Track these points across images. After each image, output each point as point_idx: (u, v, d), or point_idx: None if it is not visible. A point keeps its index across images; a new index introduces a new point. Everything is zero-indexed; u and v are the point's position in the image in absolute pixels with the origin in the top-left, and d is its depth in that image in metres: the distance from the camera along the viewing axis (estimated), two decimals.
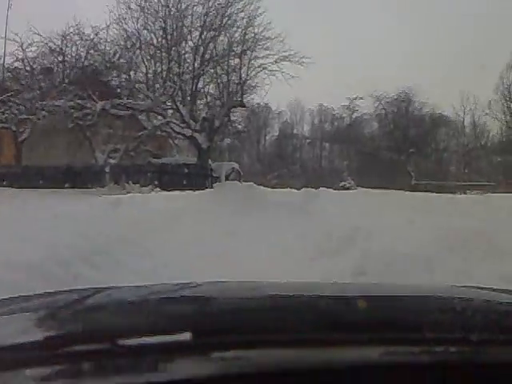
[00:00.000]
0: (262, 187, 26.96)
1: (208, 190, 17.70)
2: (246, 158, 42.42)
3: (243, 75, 20.13)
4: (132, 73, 19.53)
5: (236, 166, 22.83)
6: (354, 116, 45.98)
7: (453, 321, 0.86)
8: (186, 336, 0.71)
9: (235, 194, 19.12)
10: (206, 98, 20.46)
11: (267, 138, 50.84)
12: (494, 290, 1.24)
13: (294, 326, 0.79)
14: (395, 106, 31.36)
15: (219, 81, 20.26)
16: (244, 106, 21.03)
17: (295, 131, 52.05)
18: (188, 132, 19.00)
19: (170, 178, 18.67)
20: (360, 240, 6.47)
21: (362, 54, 50.45)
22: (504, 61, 34.16)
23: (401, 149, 31.64)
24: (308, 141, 51.83)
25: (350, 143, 44.99)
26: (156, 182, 18.47)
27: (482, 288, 1.26)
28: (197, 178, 18.50)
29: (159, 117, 19.15)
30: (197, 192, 16.74)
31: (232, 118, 21.78)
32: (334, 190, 28.37)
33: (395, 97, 30.89)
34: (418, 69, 48.65)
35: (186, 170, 18.46)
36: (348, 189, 30.80)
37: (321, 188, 26.69)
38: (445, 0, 44.25)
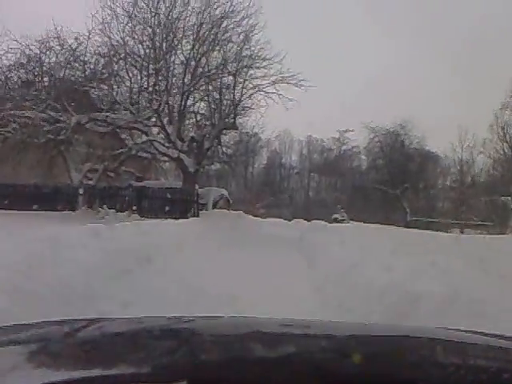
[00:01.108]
0: (251, 217, 24.56)
1: (193, 218, 15.14)
2: (234, 185, 39.96)
3: (237, 95, 17.87)
4: (115, 85, 17.06)
5: (225, 192, 20.39)
6: (343, 148, 44.38)
7: (445, 374, 0.82)
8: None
9: (223, 224, 16.58)
10: (196, 117, 18.06)
11: (255, 166, 48.97)
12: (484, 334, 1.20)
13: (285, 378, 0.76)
14: (391, 139, 29.34)
15: (211, 99, 17.94)
16: (236, 129, 18.70)
17: (283, 161, 50.37)
18: (174, 153, 16.53)
19: (151, 204, 16.13)
20: (360, 279, 5.92)
21: (355, 86, 49.07)
22: (500, 99, 32.76)
23: (395, 183, 29.52)
24: (296, 171, 49.96)
25: (339, 175, 43.14)
26: (134, 208, 15.90)
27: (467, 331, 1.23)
28: (181, 204, 15.98)
29: (143, 136, 16.66)
30: (180, 221, 14.24)
31: (222, 141, 19.45)
32: (326, 222, 26.30)
33: (391, 129, 28.92)
34: (415, 103, 47.06)
35: (170, 196, 15.92)
36: (340, 222, 28.54)
37: (313, 221, 24.51)
38: (443, 33, 43.05)
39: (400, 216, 30.17)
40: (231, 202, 21.18)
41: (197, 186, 18.87)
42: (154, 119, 16.36)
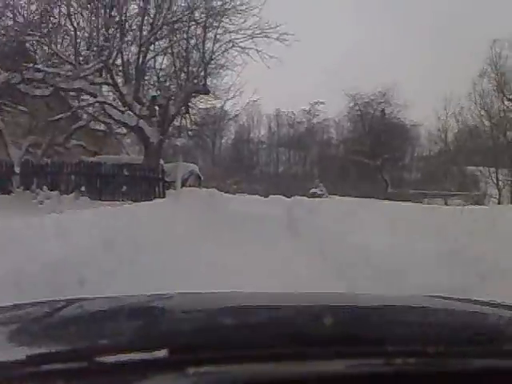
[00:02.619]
0: (226, 195, 21.16)
1: (158, 200, 11.57)
2: (201, 161, 36.23)
3: (207, 52, 14.17)
4: (54, 36, 12.98)
5: (195, 168, 16.81)
6: (314, 121, 41.13)
7: (415, 333, 0.84)
8: (160, 352, 0.67)
9: (196, 205, 13.06)
10: (158, 74, 14.15)
11: (223, 141, 45.26)
12: (473, 301, 1.21)
13: (263, 340, 0.77)
14: (371, 107, 26.16)
15: (175, 54, 14.10)
16: (208, 93, 15.02)
17: (252, 135, 46.81)
18: (132, 121, 12.79)
19: (105, 183, 12.45)
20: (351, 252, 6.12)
21: (331, 56, 45.53)
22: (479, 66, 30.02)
23: (375, 154, 26.51)
24: (264, 146, 46.53)
25: (309, 149, 39.97)
26: (83, 189, 12.20)
27: (459, 299, 1.23)
28: (143, 183, 12.37)
29: (91, 99, 12.74)
30: (142, 204, 10.71)
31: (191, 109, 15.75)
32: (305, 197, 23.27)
33: (372, 97, 25.71)
34: (396, 72, 43.85)
35: (127, 173, 12.22)
36: (319, 196, 25.54)
37: (296, 197, 21.32)
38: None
39: (380, 188, 27.38)
40: (202, 178, 17.65)
41: (162, 161, 15.21)
42: (104, 76, 12.44)
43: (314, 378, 0.67)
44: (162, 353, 0.67)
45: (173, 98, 13.44)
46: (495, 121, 30.29)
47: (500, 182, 29.14)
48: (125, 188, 11.93)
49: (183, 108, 14.96)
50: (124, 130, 16.29)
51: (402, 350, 0.73)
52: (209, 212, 12.34)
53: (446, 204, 28.34)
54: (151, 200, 11.54)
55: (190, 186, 15.71)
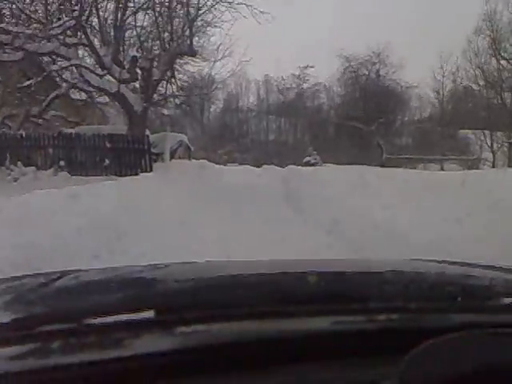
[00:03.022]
0: (217, 166, 20.01)
1: (144, 174, 10.40)
2: (190, 131, 34.76)
3: (192, 9, 12.71)
4: None
5: (184, 138, 15.56)
6: (304, 86, 39.58)
7: (398, 292, 0.85)
8: (148, 313, 0.69)
9: (186, 178, 11.91)
10: (139, 34, 12.66)
11: (211, 110, 43.61)
12: (467, 264, 1.21)
13: (250, 300, 0.78)
14: (366, 69, 24.76)
15: (157, 10, 12.61)
16: (194, 55, 13.63)
17: (240, 103, 45.18)
18: (113, 86, 11.46)
19: (86, 157, 11.21)
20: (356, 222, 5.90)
21: (321, 16, 43.34)
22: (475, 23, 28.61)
23: (370, 119, 25.27)
24: (254, 114, 44.99)
25: (300, 115, 38.59)
26: (62, 163, 10.97)
27: (450, 263, 1.22)
28: (127, 155, 11.15)
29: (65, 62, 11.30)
30: (126, 179, 9.54)
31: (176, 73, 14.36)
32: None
33: (366, 58, 24.25)
34: (390, 31, 41.84)
35: (110, 144, 10.97)
36: (313, 165, 24.50)
37: (290, 166, 20.28)
38: None
39: (376, 154, 26.31)
40: (192, 149, 16.44)
41: (148, 131, 13.94)
42: (78, 36, 10.99)
43: (298, 335, 0.68)
44: (149, 313, 0.69)
45: (156, 60, 12.08)
46: (490, 81, 29.18)
47: (494, 146, 28.28)
48: (107, 161, 10.72)
49: (168, 72, 13.61)
50: (107, 99, 14.93)
51: (385, 306, 0.74)
52: (201, 186, 11.23)
53: (442, 169, 27.52)
54: (137, 174, 10.39)
55: (179, 158, 14.54)
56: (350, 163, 24.33)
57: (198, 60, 13.63)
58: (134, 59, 11.01)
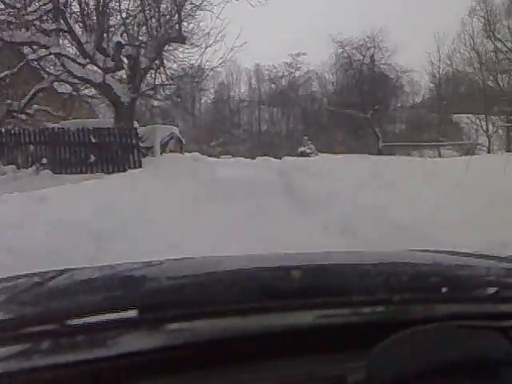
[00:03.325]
0: (210, 159, 19.19)
1: (133, 171, 9.56)
2: (181, 123, 33.73)
3: None
4: None
5: (175, 130, 14.68)
6: (296, 74, 38.60)
7: (383, 284, 0.82)
8: (132, 312, 0.68)
9: (179, 174, 11.06)
10: (124, 20, 11.66)
11: (202, 101, 42.51)
12: (455, 253, 1.20)
13: (233, 296, 0.77)
14: (360, 53, 23.83)
15: None
16: (183, 41, 12.72)
17: (232, 93, 44.09)
18: (97, 77, 10.55)
19: (70, 153, 10.32)
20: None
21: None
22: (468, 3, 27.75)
23: (366, 105, 24.43)
24: (245, 104, 43.98)
25: (295, 104, 37.64)
26: (44, 161, 10.09)
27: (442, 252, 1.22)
28: (114, 150, 10.27)
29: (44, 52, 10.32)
30: (110, 178, 8.66)
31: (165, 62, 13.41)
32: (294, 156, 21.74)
33: (361, 42, 23.32)
34: (385, 14, 40.51)
35: (95, 139, 10.07)
36: (308, 155, 23.77)
37: (285, 157, 19.56)
38: None
39: (372, 142, 25.56)
40: (184, 142, 15.55)
41: (137, 124, 13.04)
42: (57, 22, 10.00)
43: (282, 330, 0.68)
44: (133, 312, 0.68)
45: (143, 47, 11.16)
46: (485, 63, 28.46)
47: (490, 130, 27.65)
48: (93, 158, 9.85)
49: (157, 61, 12.68)
50: (93, 91, 14.01)
51: (370, 299, 0.74)
52: (194, 181, 10.41)
53: (439, 155, 26.84)
54: (125, 170, 9.55)
55: (170, 152, 13.66)
56: (346, 152, 23.64)
57: (187, 47, 12.70)
58: (119, 45, 10.08)
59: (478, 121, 28.21)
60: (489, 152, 26.13)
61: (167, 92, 14.63)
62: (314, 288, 0.79)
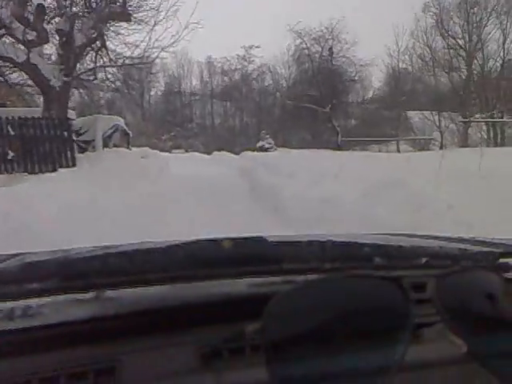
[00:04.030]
0: (162, 154, 17.24)
1: (62, 171, 7.53)
2: (130, 115, 31.16)
3: None
4: None
5: (120, 122, 12.59)
6: (249, 68, 36.89)
7: (315, 255, 0.80)
8: (57, 282, 0.67)
9: (123, 173, 9.04)
10: None
11: (152, 93, 39.99)
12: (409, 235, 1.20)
13: (164, 265, 0.75)
14: (319, 45, 22.42)
15: None
16: (129, 20, 10.70)
17: (183, 86, 41.78)
18: (20, 55, 8.37)
19: None
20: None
21: None
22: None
23: (324, 99, 23.10)
24: (197, 97, 41.82)
25: (249, 98, 35.93)
26: None
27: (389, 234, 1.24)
28: (41, 144, 8.16)
29: None
30: (32, 179, 6.59)
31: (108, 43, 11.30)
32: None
33: (319, 33, 21.90)
34: (343, 6, 39.06)
35: (13, 132, 7.89)
36: (267, 150, 22.26)
37: (245, 152, 17.96)
38: None
39: (331, 137, 24.34)
40: (130, 134, 13.49)
41: (73, 114, 10.90)
42: None
43: (213, 297, 0.69)
44: (66, 283, 0.66)
45: (78, 18, 9.08)
46: (438, 59, 28.03)
47: (442, 125, 27.31)
48: (11, 155, 7.71)
49: (98, 42, 10.59)
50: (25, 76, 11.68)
51: (303, 267, 0.74)
52: (143, 181, 8.53)
53: (398, 150, 26.09)
54: (55, 170, 7.53)
55: (114, 146, 11.63)
56: (305, 147, 22.32)
57: (134, 24, 10.68)
58: (41, 10, 7.91)
59: (431, 116, 27.82)
60: (441, 147, 25.76)
61: (110, 78, 12.52)
62: (245, 257, 0.76)
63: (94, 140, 11.18)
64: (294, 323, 0.58)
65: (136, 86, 21.83)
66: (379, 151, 25.43)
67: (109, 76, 12.13)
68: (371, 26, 29.37)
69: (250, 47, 34.52)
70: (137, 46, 9.84)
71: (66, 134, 8.09)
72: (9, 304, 0.66)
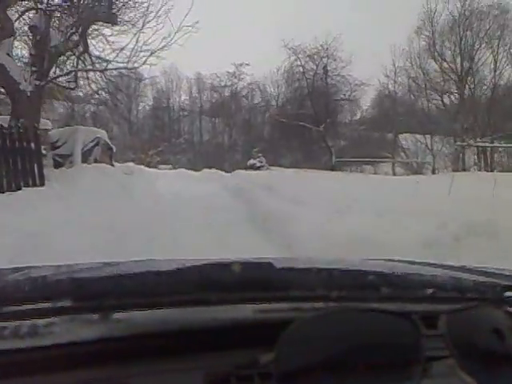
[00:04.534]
0: (148, 169, 15.90)
1: (28, 191, 6.16)
2: (116, 129, 29.71)
3: None
4: None
5: (102, 134, 11.22)
6: (239, 85, 35.90)
7: (321, 282, 0.79)
8: (67, 302, 0.65)
9: (101, 194, 7.50)
10: None
11: (140, 108, 38.70)
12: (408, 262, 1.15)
13: (174, 288, 0.73)
14: (313, 63, 21.46)
15: None
16: (115, 23, 9.47)
17: (171, 101, 40.59)
18: None
19: None
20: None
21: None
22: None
23: (319, 118, 22.07)
24: (186, 113, 40.63)
25: (238, 115, 34.87)
26: None
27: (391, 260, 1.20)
28: (5, 156, 6.76)
29: None
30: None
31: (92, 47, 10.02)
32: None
33: (314, 50, 20.95)
34: (338, 25, 38.30)
35: None
36: (258, 169, 21.09)
37: (237, 170, 16.74)
38: None
39: (324, 156, 23.26)
40: (114, 149, 12.15)
41: (49, 124, 9.53)
42: None
43: (222, 322, 0.67)
44: (71, 303, 0.65)
45: (56, 18, 7.81)
46: (430, 82, 27.42)
47: (434, 149, 26.60)
48: None
49: (80, 45, 9.31)
50: None
51: (310, 295, 0.74)
52: (125, 203, 7.19)
53: (393, 173, 25.19)
54: (19, 189, 6.15)
55: (95, 162, 10.28)
56: (297, 167, 21.21)
57: (117, 30, 9.43)
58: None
59: (423, 139, 27.12)
60: (433, 171, 24.98)
61: (94, 87, 11.20)
62: (252, 282, 0.75)
63: (71, 154, 9.85)
64: (308, 354, 0.57)
65: (124, 99, 20.55)
66: (375, 173, 24.54)
67: (92, 85, 10.85)
68: (367, 44, 28.62)
69: (241, 64, 33.69)
70: (122, 49, 8.55)
71: (33, 145, 6.71)
72: (17, 322, 0.64)
